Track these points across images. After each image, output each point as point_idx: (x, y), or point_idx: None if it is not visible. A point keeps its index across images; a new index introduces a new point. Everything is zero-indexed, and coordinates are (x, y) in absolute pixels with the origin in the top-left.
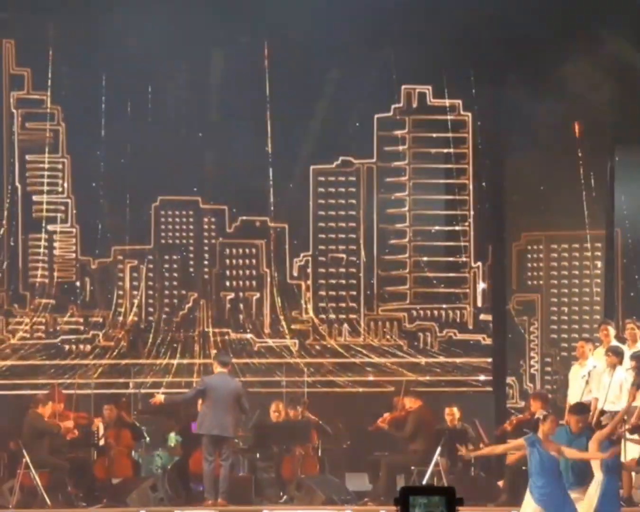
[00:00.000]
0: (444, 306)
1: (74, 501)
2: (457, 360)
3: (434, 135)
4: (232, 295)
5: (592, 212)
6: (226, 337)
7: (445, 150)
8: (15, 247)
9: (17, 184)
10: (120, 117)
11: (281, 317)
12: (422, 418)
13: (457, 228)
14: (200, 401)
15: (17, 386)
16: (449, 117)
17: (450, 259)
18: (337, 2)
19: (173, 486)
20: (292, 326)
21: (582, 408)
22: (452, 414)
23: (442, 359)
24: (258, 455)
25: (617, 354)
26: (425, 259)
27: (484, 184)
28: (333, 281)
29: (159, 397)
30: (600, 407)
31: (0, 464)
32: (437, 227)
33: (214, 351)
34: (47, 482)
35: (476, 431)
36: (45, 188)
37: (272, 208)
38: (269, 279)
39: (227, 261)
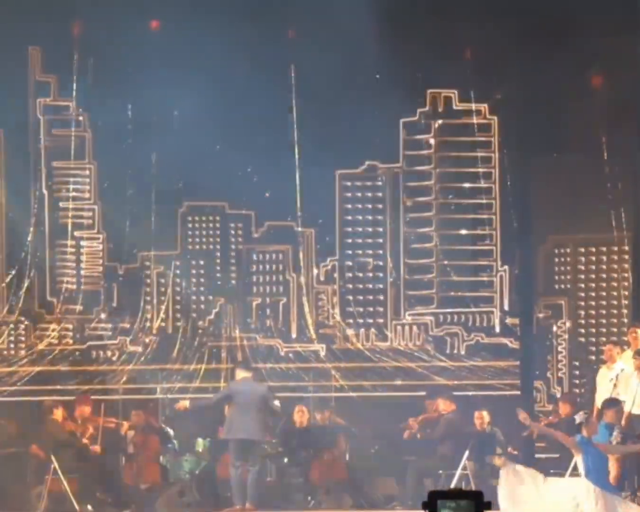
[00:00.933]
0: (471, 309)
1: (102, 506)
2: (484, 364)
3: (460, 139)
4: (258, 300)
5: (619, 215)
6: (253, 342)
7: (471, 154)
8: (42, 254)
9: (44, 190)
10: (147, 122)
11: (308, 322)
12: (454, 422)
13: (483, 232)
14: (227, 406)
15: (44, 392)
16: (475, 121)
17: (477, 262)
18: (363, 5)
19: (201, 491)
20: (320, 331)
21: (615, 401)
22: (482, 418)
23: (469, 363)
24: (286, 460)
25: None
26: (451, 263)
27: (509, 186)
28: (360, 286)
29: (184, 403)
30: (628, 410)
31: (28, 470)
32: (463, 231)
33: (240, 357)
34: (75, 488)
35: (504, 435)
36: (72, 194)
37: (298, 213)
38: (295, 284)
39: (254, 266)
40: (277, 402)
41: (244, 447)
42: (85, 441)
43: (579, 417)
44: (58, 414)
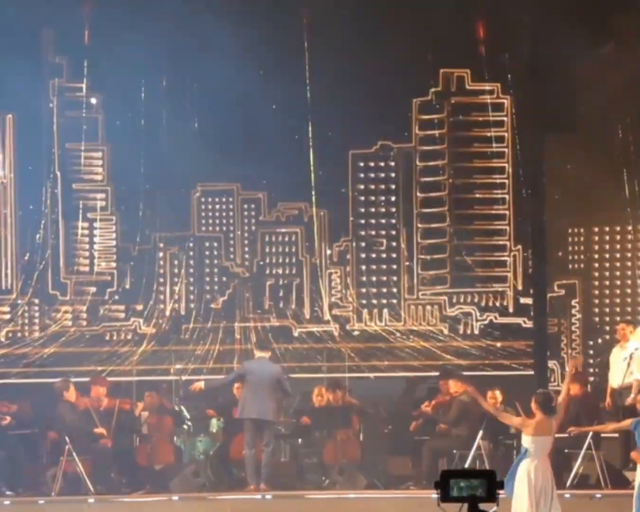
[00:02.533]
0: (485, 289)
1: (117, 487)
2: (498, 344)
3: (473, 119)
4: (272, 281)
5: (633, 194)
6: (266, 323)
7: (484, 133)
8: (56, 236)
9: (57, 172)
10: (159, 104)
11: (321, 303)
12: (467, 404)
13: (497, 211)
14: (237, 386)
15: (59, 374)
16: (488, 100)
17: (490, 242)
18: None
19: (215, 471)
20: (333, 311)
21: None
22: (495, 398)
23: (483, 342)
24: (300, 440)
25: None
26: (465, 242)
27: (523, 166)
28: (373, 266)
29: (199, 384)
30: None
31: (44, 452)
32: (476, 211)
33: (254, 338)
34: (90, 469)
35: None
36: (85, 176)
37: (312, 193)
38: (309, 265)
39: (267, 248)
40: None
41: (258, 426)
42: (98, 430)
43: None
44: (70, 394)
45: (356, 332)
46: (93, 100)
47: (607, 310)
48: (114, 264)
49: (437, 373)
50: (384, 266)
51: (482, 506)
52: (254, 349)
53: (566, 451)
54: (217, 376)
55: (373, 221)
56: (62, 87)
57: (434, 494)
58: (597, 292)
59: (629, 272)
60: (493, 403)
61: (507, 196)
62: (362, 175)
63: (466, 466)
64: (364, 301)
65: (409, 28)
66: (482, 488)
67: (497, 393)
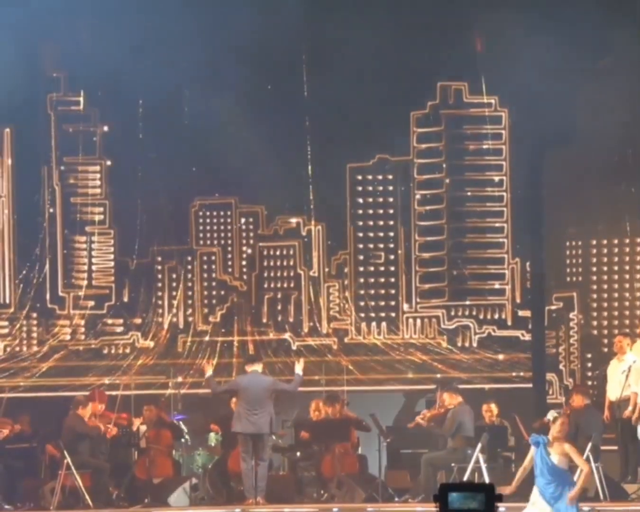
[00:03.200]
0: (483, 302)
1: (115, 501)
2: (497, 356)
3: (470, 131)
4: (270, 295)
5: (631, 206)
6: (265, 336)
7: (482, 147)
8: (54, 249)
9: (55, 186)
10: (157, 118)
11: (320, 316)
12: (462, 414)
13: (495, 224)
14: (234, 400)
15: (57, 388)
16: (486, 113)
17: (489, 255)
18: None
19: (214, 485)
20: (331, 325)
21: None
22: (490, 411)
23: (481, 355)
24: (298, 453)
25: None
26: (463, 255)
27: (520, 180)
28: (371, 279)
29: (208, 370)
30: None
31: (42, 466)
32: (474, 223)
33: (252, 351)
34: (88, 483)
35: (516, 427)
36: (83, 190)
37: (311, 206)
38: (307, 278)
39: (265, 261)
40: (298, 371)
41: (253, 440)
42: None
43: (549, 415)
44: (86, 411)
45: (354, 346)
46: (105, 128)
47: (605, 323)
48: (112, 278)
49: (434, 386)
50: (382, 279)
51: None
52: (247, 363)
53: None
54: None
55: (371, 234)
56: (60, 100)
57: (432, 508)
58: (595, 304)
59: (627, 285)
60: (489, 416)
61: (505, 209)
62: (360, 188)
63: (465, 479)
64: (362, 314)
65: (407, 41)
66: (481, 502)
67: (493, 406)
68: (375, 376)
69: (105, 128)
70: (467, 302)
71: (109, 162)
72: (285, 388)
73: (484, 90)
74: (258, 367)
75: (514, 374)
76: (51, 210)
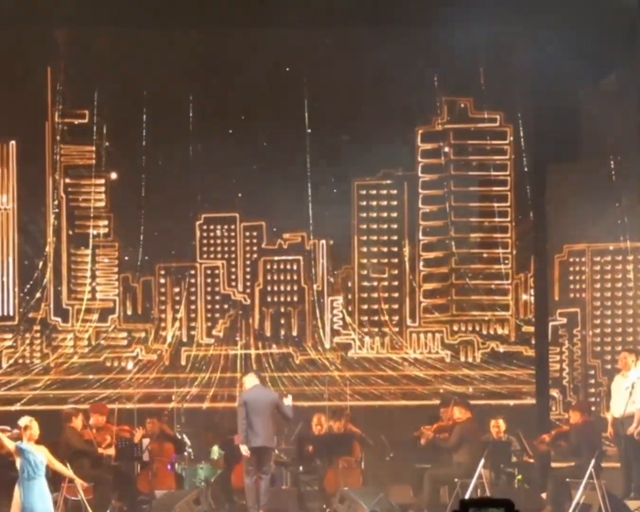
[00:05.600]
0: (486, 317)
1: None
2: (500, 372)
3: (475, 147)
4: (273, 309)
5: (634, 223)
6: (268, 350)
7: (487, 162)
8: (58, 262)
9: (59, 199)
10: (162, 132)
11: (323, 331)
12: (468, 430)
13: (499, 240)
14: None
15: (60, 400)
16: (489, 127)
17: (493, 271)
18: (379, 16)
19: (216, 499)
20: (335, 339)
21: None
22: (498, 426)
23: (484, 371)
24: (301, 468)
25: None
26: (467, 271)
27: (524, 196)
28: (375, 294)
29: (245, 449)
30: None
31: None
32: (478, 239)
33: (255, 365)
34: (91, 495)
35: (521, 443)
36: (87, 203)
37: (313, 221)
38: (310, 292)
39: (269, 276)
40: (288, 403)
41: (257, 454)
42: (101, 450)
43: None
44: (77, 422)
45: (357, 360)
46: (110, 142)
47: (609, 339)
48: (115, 291)
49: (438, 401)
50: (386, 294)
51: None
52: (245, 377)
53: (568, 480)
54: (218, 403)
55: (375, 249)
56: (66, 113)
57: None
58: (598, 321)
59: (631, 302)
60: (496, 432)
61: (509, 224)
62: (364, 203)
63: (468, 495)
64: (366, 329)
65: (412, 57)
66: None
67: (501, 422)
68: (378, 390)
69: (110, 142)
70: (471, 317)
71: (114, 176)
72: (285, 412)
73: (487, 105)
74: (255, 378)
75: (517, 389)
76: (56, 222)
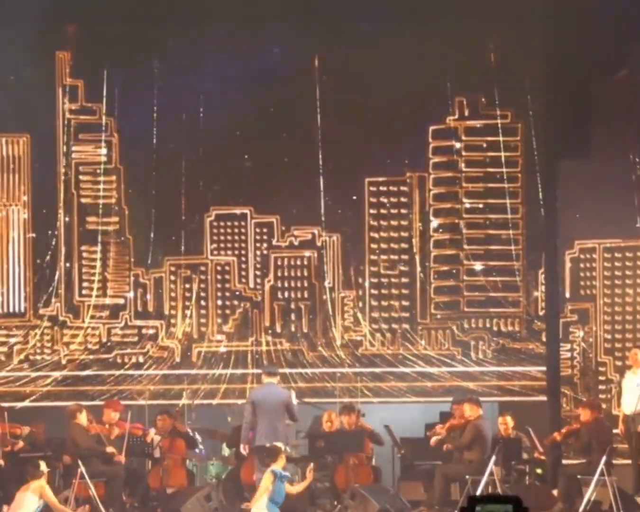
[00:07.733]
0: (497, 314)
1: (129, 510)
2: (511, 368)
3: (486, 144)
4: (284, 305)
5: None
6: (279, 346)
7: (498, 159)
8: (69, 258)
9: (70, 195)
10: (173, 128)
11: (334, 327)
12: (481, 428)
13: (510, 236)
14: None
15: (71, 397)
16: (500, 124)
17: (504, 266)
18: (388, 15)
19: (227, 495)
20: (346, 336)
21: None
22: (506, 423)
23: (495, 367)
24: (312, 464)
25: None
26: (478, 268)
27: (535, 192)
28: (386, 291)
29: (245, 449)
30: None
31: (56, 474)
32: (490, 235)
33: (265, 361)
34: (102, 492)
35: (531, 440)
36: (99, 200)
37: (325, 217)
38: (321, 290)
39: (279, 272)
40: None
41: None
42: (110, 449)
43: None
44: (82, 418)
45: (368, 357)
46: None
47: (620, 336)
48: (127, 288)
49: (450, 398)
50: (397, 291)
51: None
52: (263, 375)
53: (579, 477)
54: (228, 400)
55: (385, 246)
56: (77, 109)
57: None
58: (609, 317)
59: None
60: (504, 429)
61: (520, 221)
62: (375, 200)
63: (479, 491)
64: (377, 325)
65: (424, 54)
66: None
67: (508, 419)
68: (389, 387)
69: (122, 137)
70: (482, 314)
71: (125, 172)
72: (293, 416)
73: (499, 102)
74: (274, 379)
75: (527, 386)
76: (67, 218)
